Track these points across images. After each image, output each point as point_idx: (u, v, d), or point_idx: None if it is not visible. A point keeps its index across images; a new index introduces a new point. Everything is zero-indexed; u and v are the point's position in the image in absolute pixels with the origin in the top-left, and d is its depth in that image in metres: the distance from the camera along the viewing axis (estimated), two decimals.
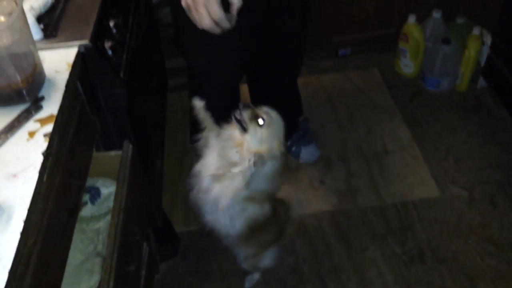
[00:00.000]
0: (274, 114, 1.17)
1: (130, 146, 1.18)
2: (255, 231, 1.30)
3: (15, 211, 0.72)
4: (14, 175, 0.77)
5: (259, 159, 1.09)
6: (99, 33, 1.10)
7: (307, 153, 1.98)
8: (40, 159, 0.80)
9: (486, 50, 2.14)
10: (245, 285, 1.63)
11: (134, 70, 1.24)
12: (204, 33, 1.38)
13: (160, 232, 1.55)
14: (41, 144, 0.83)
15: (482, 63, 2.18)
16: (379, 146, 2.06)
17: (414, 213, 1.80)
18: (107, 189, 1.19)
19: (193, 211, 1.82)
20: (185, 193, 1.92)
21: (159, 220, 1.50)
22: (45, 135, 0.84)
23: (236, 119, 1.14)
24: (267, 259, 1.52)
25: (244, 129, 1.13)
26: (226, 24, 1.02)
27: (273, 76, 1.72)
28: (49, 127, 0.86)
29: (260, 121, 1.12)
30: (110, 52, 1.11)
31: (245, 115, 1.12)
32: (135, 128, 1.24)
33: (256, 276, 1.63)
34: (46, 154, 0.81)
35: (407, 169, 1.96)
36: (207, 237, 1.75)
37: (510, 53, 1.99)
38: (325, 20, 2.29)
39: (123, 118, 1.18)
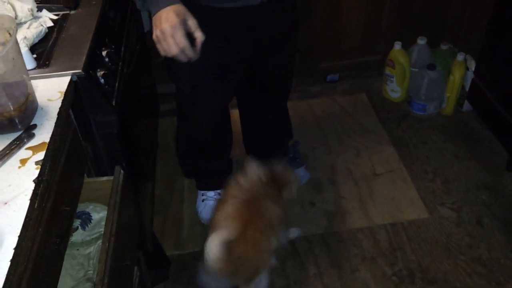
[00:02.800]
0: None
1: (121, 171, 1.20)
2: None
3: (6, 239, 0.74)
4: (5, 203, 0.79)
5: None
6: (92, 62, 1.13)
7: (301, 174, 2.00)
8: (31, 186, 0.82)
9: (470, 75, 2.20)
10: None
11: (126, 97, 1.27)
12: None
13: (151, 256, 1.56)
14: (33, 171, 0.85)
15: (467, 87, 2.24)
16: (367, 169, 2.09)
17: (403, 234, 1.82)
18: (98, 214, 1.20)
19: (183, 234, 1.86)
20: (176, 216, 1.95)
21: (149, 244, 1.51)
22: (36, 163, 0.86)
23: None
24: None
25: None
26: (191, 53, 1.16)
27: (262, 102, 1.76)
28: (41, 155, 0.88)
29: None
30: (102, 80, 1.14)
31: None
32: (126, 154, 1.26)
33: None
34: (38, 181, 0.83)
35: (396, 191, 1.99)
36: (199, 260, 1.78)
37: (493, 78, 2.04)
38: (314, 47, 2.35)
39: (114, 144, 1.20)
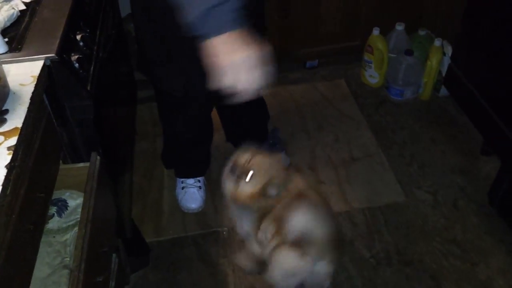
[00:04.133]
0: (260, 159, 1.26)
1: (98, 157, 1.19)
2: None
3: None
4: None
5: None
6: (66, 46, 1.11)
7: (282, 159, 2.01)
8: (3, 172, 0.80)
9: (447, 61, 2.22)
10: None
11: (101, 82, 1.25)
12: (175, 58, 1.40)
13: (130, 243, 1.55)
14: (5, 157, 0.83)
15: (444, 73, 2.26)
16: (346, 154, 2.11)
17: (381, 218, 1.85)
18: (75, 201, 1.19)
19: (163, 221, 1.86)
20: (155, 203, 1.94)
21: (128, 231, 1.50)
22: (8, 148, 0.85)
23: (230, 173, 1.26)
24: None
25: (238, 180, 1.24)
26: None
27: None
28: (13, 140, 0.86)
29: (249, 175, 1.22)
30: (76, 65, 1.12)
31: (238, 171, 1.24)
32: (103, 140, 1.25)
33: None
34: (10, 167, 0.81)
35: (374, 175, 2.02)
36: (178, 246, 1.78)
37: (469, 63, 2.07)
38: (293, 33, 2.34)
39: (90, 130, 1.19)
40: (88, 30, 1.23)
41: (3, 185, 0.78)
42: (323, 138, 2.19)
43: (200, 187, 1.90)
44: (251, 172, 1.22)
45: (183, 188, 1.90)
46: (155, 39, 1.38)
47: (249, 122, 1.94)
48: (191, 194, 1.89)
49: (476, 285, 1.64)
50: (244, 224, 1.38)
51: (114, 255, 1.39)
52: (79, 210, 1.16)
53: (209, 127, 1.81)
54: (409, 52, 2.23)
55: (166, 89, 1.52)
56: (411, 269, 1.69)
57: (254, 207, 1.28)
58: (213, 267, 1.73)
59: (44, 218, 0.98)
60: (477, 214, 1.86)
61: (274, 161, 1.29)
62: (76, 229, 1.13)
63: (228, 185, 1.27)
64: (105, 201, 1.22)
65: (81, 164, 1.20)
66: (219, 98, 1.72)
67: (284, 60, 2.44)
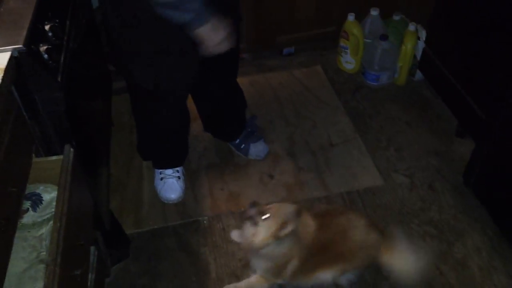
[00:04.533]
0: (277, 206, 1.39)
1: (71, 150, 1.17)
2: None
3: None
4: None
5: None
6: (34, 37, 1.09)
7: (256, 149, 2.01)
8: None
9: (421, 45, 2.24)
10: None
11: (73, 73, 1.23)
12: (147, 50, 1.38)
13: (109, 235, 1.54)
14: None
15: (419, 57, 2.29)
16: (324, 140, 2.13)
17: (359, 201, 1.88)
18: (49, 194, 1.17)
19: (143, 213, 1.85)
20: (134, 195, 1.93)
21: (107, 223, 1.49)
22: None
23: (247, 216, 1.38)
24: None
25: (255, 223, 1.36)
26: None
27: (212, 76, 1.72)
28: None
29: (265, 216, 1.35)
30: (45, 56, 1.10)
31: (253, 212, 1.37)
32: (77, 132, 1.23)
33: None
34: None
35: (352, 160, 2.04)
36: (158, 237, 1.78)
37: (443, 47, 2.10)
38: (269, 20, 2.33)
39: (62, 122, 1.17)
40: (57, 20, 1.21)
41: None
42: (301, 125, 2.20)
43: (179, 177, 1.89)
44: (267, 215, 1.34)
45: (161, 179, 1.89)
46: (124, 31, 1.36)
47: (227, 110, 1.94)
48: (170, 184, 1.88)
49: (452, 264, 1.68)
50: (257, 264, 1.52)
51: (92, 247, 1.38)
52: (54, 203, 1.14)
53: (184, 117, 1.79)
54: (384, 37, 2.24)
55: (136, 82, 1.50)
56: None
57: (267, 251, 1.38)
58: (194, 256, 1.73)
59: (17, 213, 0.96)
60: (453, 195, 1.90)
61: (289, 207, 1.38)
62: (51, 223, 1.11)
63: (245, 227, 1.40)
64: (81, 194, 1.20)
65: (54, 157, 1.18)
66: (193, 88, 1.74)
67: (260, 48, 2.44)
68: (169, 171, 1.88)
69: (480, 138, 1.80)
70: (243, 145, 2.02)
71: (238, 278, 1.65)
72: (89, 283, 1.26)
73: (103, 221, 1.45)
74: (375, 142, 2.12)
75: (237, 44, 1.71)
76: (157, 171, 1.91)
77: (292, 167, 2.02)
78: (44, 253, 1.07)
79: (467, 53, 1.92)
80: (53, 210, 1.14)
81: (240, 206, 1.86)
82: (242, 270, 1.68)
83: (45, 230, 1.12)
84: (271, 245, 1.35)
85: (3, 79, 0.96)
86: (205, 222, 1.83)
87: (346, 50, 2.38)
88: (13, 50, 1.03)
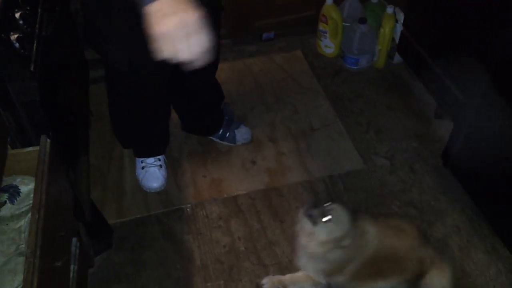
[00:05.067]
0: (340, 210, 1.32)
1: (48, 140, 1.15)
2: None
3: None
4: None
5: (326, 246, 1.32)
6: (3, 25, 1.06)
7: (242, 134, 2.02)
8: None
9: (399, 28, 2.25)
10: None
11: (46, 62, 1.20)
12: (118, 29, 1.34)
13: (91, 225, 1.53)
14: None
15: (397, 40, 2.30)
16: (305, 125, 2.13)
17: (340, 185, 1.89)
18: (27, 186, 1.15)
19: (125, 202, 1.83)
20: (115, 184, 1.91)
21: (88, 214, 1.47)
22: None
23: (307, 214, 1.31)
24: None
25: (314, 223, 1.30)
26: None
27: (192, 75, 1.69)
28: None
29: (327, 218, 1.28)
30: (17, 45, 1.07)
31: (316, 212, 1.30)
32: (53, 122, 1.21)
33: None
34: None
35: (333, 144, 2.05)
36: (142, 226, 1.77)
37: (421, 29, 2.11)
38: (248, 5, 2.31)
39: (37, 113, 1.15)
40: (28, 8, 1.17)
41: None
42: (282, 110, 2.20)
43: (160, 166, 1.88)
44: (328, 217, 1.28)
45: (143, 168, 1.87)
46: (99, 10, 1.33)
47: (206, 106, 1.91)
48: (151, 173, 1.86)
49: (433, 244, 1.71)
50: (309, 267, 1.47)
51: (74, 239, 1.37)
52: (32, 195, 1.13)
53: (164, 103, 1.76)
54: (362, 21, 2.25)
55: (111, 62, 1.47)
56: None
57: (325, 254, 1.34)
58: (178, 244, 1.73)
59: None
60: (433, 176, 1.93)
61: (351, 215, 1.33)
62: (30, 215, 1.10)
63: (303, 224, 1.34)
64: (59, 185, 1.19)
65: (30, 148, 1.16)
66: (170, 72, 1.69)
67: (239, 33, 2.42)
68: (150, 160, 1.87)
69: (458, 119, 1.83)
70: (228, 133, 2.01)
71: (222, 264, 1.66)
72: (71, 274, 1.25)
73: (84, 211, 1.44)
74: (356, 126, 2.13)
75: (217, 33, 1.69)
76: (138, 160, 1.89)
77: (274, 153, 2.02)
78: (24, 245, 1.06)
79: (444, 35, 1.93)
80: (31, 202, 1.12)
81: (223, 192, 1.86)
82: (227, 256, 1.68)
83: (23, 222, 1.11)
84: (330, 249, 1.32)
85: None
86: (188, 209, 1.83)
87: (325, 34, 2.37)
88: None
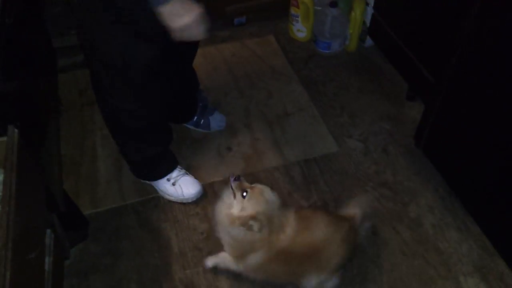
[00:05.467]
0: (265, 192, 1.32)
1: (15, 130, 1.12)
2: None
3: None
4: None
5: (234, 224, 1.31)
6: None
7: (216, 121, 2.00)
8: None
9: (370, 11, 2.27)
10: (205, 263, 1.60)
11: (10, 51, 1.16)
12: (113, 25, 1.30)
13: (65, 216, 1.50)
14: None
15: (368, 23, 2.31)
16: (280, 109, 2.13)
17: (316, 168, 1.91)
18: None
19: (99, 192, 1.81)
20: (89, 175, 1.88)
21: (61, 204, 1.44)
22: None
23: (231, 186, 1.33)
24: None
25: (234, 195, 1.32)
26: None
27: (170, 55, 1.66)
28: None
29: (244, 194, 1.30)
30: None
31: (234, 185, 1.31)
32: (19, 112, 1.17)
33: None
34: None
35: (307, 128, 2.06)
36: (117, 216, 1.75)
37: (391, 12, 2.13)
38: None
39: (3, 102, 1.11)
40: None
41: None
42: (256, 96, 2.20)
43: (185, 172, 1.81)
44: (246, 194, 1.29)
45: (173, 184, 1.77)
46: (88, 9, 1.27)
47: (183, 94, 1.88)
48: (186, 181, 1.78)
49: (408, 223, 1.75)
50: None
51: (48, 230, 1.34)
52: (1, 187, 1.10)
53: (161, 96, 1.63)
54: (333, 4, 2.25)
55: (103, 56, 1.38)
56: None
57: (233, 230, 1.34)
58: (155, 232, 1.72)
59: None
60: (406, 157, 1.97)
61: (273, 197, 1.33)
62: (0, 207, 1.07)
63: (226, 195, 1.36)
64: (29, 176, 1.16)
65: None
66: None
67: (211, 18, 2.38)
68: (175, 173, 1.79)
69: (429, 100, 1.86)
70: (202, 120, 1.99)
71: (201, 251, 1.66)
72: (46, 266, 1.23)
73: (57, 202, 1.41)
74: (329, 109, 2.15)
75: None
76: (162, 181, 1.79)
77: (249, 138, 2.02)
78: None
79: (414, 17, 1.95)
80: (0, 194, 1.09)
81: (199, 179, 1.84)
82: (205, 242, 1.68)
83: None
84: (238, 226, 1.30)
85: None
86: (164, 197, 1.81)
87: (297, 18, 2.37)
88: None
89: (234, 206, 1.31)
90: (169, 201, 1.80)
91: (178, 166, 1.82)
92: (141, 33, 1.32)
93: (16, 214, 0.98)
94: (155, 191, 1.83)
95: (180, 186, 1.77)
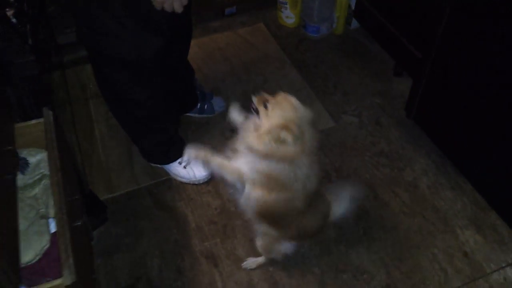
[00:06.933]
0: (285, 99, 1.23)
1: (50, 112, 1.20)
2: (267, 215, 1.34)
3: None
4: None
5: (270, 135, 1.16)
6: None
7: (218, 103, 2.12)
8: None
9: None
10: (242, 264, 1.63)
11: (38, 39, 1.24)
12: (123, 21, 1.37)
13: (86, 202, 1.58)
14: None
15: (353, 6, 2.44)
16: (276, 92, 2.23)
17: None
18: (35, 157, 1.20)
19: (113, 179, 1.89)
20: (100, 163, 1.96)
21: (85, 186, 1.53)
22: None
23: (252, 107, 1.22)
24: (281, 249, 1.49)
25: (257, 114, 1.20)
26: None
27: (175, 49, 1.74)
28: None
29: (266, 105, 1.19)
30: (14, 20, 1.11)
31: (255, 101, 1.20)
32: (52, 96, 1.26)
33: (260, 260, 1.61)
34: None
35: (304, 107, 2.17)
36: (134, 199, 1.84)
37: None
38: None
39: (37, 86, 1.19)
40: None
41: None
42: (252, 80, 2.30)
43: None
44: (269, 104, 1.19)
45: (185, 167, 1.86)
46: (99, 8, 1.34)
47: (185, 83, 1.97)
48: (197, 162, 1.81)
49: (405, 186, 1.89)
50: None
51: None
52: (42, 165, 1.19)
53: (167, 94, 1.75)
54: None
55: (116, 54, 1.45)
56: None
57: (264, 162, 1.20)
58: (171, 211, 1.81)
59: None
60: (398, 127, 2.10)
61: (302, 107, 1.23)
62: (44, 181, 1.15)
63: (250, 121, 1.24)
64: (64, 154, 1.24)
65: (34, 121, 1.20)
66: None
67: (203, 9, 2.49)
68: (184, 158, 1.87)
69: (417, 74, 1.99)
70: (206, 105, 2.09)
71: (216, 224, 1.76)
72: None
73: (82, 183, 1.49)
74: (323, 89, 2.27)
75: (188, 17, 1.74)
76: (174, 165, 1.88)
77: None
78: (43, 209, 1.11)
79: None
80: (41, 171, 1.18)
81: None
82: (219, 216, 1.78)
83: (37, 189, 1.16)
84: (268, 142, 1.15)
85: None
86: (176, 180, 1.90)
87: (285, 5, 2.49)
88: None
89: (259, 121, 1.18)
90: (181, 182, 1.89)
91: None
92: (148, 25, 1.41)
93: (63, 185, 1.07)
94: (167, 173, 1.92)
95: (192, 168, 1.87)
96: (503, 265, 1.66)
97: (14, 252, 0.86)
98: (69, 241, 0.95)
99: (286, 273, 1.63)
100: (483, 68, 1.62)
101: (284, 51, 2.45)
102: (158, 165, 1.92)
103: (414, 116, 2.07)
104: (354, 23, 2.51)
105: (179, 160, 1.87)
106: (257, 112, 1.20)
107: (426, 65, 1.90)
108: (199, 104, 2.09)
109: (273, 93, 1.34)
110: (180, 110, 2.08)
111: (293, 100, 1.22)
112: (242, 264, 1.64)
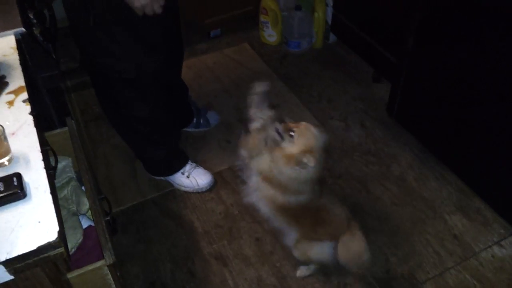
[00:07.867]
0: (308, 128, 1.38)
1: (72, 121, 1.30)
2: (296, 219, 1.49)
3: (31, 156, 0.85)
4: (13, 133, 0.89)
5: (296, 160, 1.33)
6: (27, 21, 1.21)
7: (212, 117, 2.24)
8: (29, 118, 0.92)
9: (330, 10, 2.59)
10: (296, 274, 1.70)
11: (58, 55, 1.35)
12: (124, 40, 1.47)
13: None
14: (24, 107, 0.95)
15: (330, 21, 2.64)
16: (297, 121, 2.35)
17: None
18: (60, 163, 1.28)
19: (118, 193, 1.97)
20: (106, 179, 2.04)
21: (100, 190, 1.61)
22: (24, 101, 0.96)
23: (275, 129, 1.38)
24: (318, 254, 1.57)
25: (281, 137, 1.36)
26: None
27: (170, 66, 1.85)
28: (24, 95, 0.98)
29: (291, 133, 1.35)
30: (41, 38, 1.22)
31: (280, 128, 1.36)
32: (71, 108, 1.36)
33: (312, 268, 1.68)
34: (34, 114, 0.93)
35: (294, 116, 2.30)
36: (141, 210, 1.92)
37: (349, 8, 2.46)
38: (195, 5, 2.54)
39: (60, 98, 1.30)
40: (37, 8, 1.32)
41: (35, 126, 0.90)
42: (242, 95, 2.42)
43: (196, 164, 2.00)
44: (294, 133, 1.34)
45: (187, 176, 1.96)
46: (98, 29, 1.42)
47: (176, 99, 2.06)
48: (199, 172, 1.96)
49: (394, 180, 2.03)
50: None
51: None
52: (67, 169, 1.28)
53: (167, 110, 1.85)
54: (298, 8, 2.56)
55: (118, 70, 1.54)
56: (342, 180, 2.03)
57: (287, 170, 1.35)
58: (178, 218, 1.90)
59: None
60: (381, 128, 2.26)
61: (320, 135, 1.37)
62: (72, 183, 1.25)
63: (270, 132, 1.40)
64: (86, 160, 1.34)
65: (59, 130, 1.30)
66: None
67: (190, 33, 2.64)
68: (188, 166, 1.98)
69: (395, 77, 2.17)
70: (201, 120, 2.21)
71: (222, 228, 1.86)
72: None
73: (99, 188, 1.57)
74: (309, 98, 2.43)
75: (179, 37, 1.86)
76: (177, 175, 1.97)
77: (243, 132, 2.25)
78: (74, 208, 1.20)
79: (372, 8, 2.28)
80: (68, 175, 1.27)
81: (208, 170, 2.04)
82: (224, 220, 1.88)
83: (66, 191, 1.24)
84: (293, 167, 1.31)
85: (19, 54, 1.08)
86: (180, 190, 2.00)
87: (267, 25, 2.66)
88: (15, 33, 1.15)
89: (284, 147, 1.35)
90: (185, 191, 1.99)
91: (189, 160, 2.02)
92: (147, 45, 1.54)
93: (93, 184, 1.16)
94: (170, 185, 2.01)
95: (194, 177, 1.97)
96: (490, 244, 1.80)
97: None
98: (105, 227, 1.04)
99: (293, 267, 1.73)
100: (453, 67, 1.80)
101: (269, 66, 2.61)
102: (162, 178, 2.02)
103: (395, 116, 2.23)
104: (332, 37, 2.70)
105: (181, 170, 1.97)
106: (281, 137, 1.36)
107: (402, 68, 2.08)
108: (195, 119, 2.21)
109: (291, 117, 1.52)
110: (181, 124, 2.19)
111: (314, 129, 1.39)
112: (297, 274, 1.70)
